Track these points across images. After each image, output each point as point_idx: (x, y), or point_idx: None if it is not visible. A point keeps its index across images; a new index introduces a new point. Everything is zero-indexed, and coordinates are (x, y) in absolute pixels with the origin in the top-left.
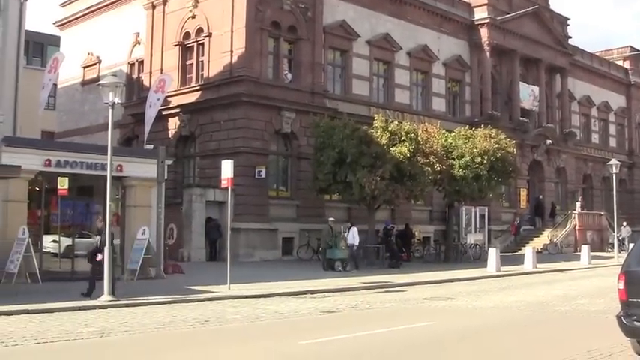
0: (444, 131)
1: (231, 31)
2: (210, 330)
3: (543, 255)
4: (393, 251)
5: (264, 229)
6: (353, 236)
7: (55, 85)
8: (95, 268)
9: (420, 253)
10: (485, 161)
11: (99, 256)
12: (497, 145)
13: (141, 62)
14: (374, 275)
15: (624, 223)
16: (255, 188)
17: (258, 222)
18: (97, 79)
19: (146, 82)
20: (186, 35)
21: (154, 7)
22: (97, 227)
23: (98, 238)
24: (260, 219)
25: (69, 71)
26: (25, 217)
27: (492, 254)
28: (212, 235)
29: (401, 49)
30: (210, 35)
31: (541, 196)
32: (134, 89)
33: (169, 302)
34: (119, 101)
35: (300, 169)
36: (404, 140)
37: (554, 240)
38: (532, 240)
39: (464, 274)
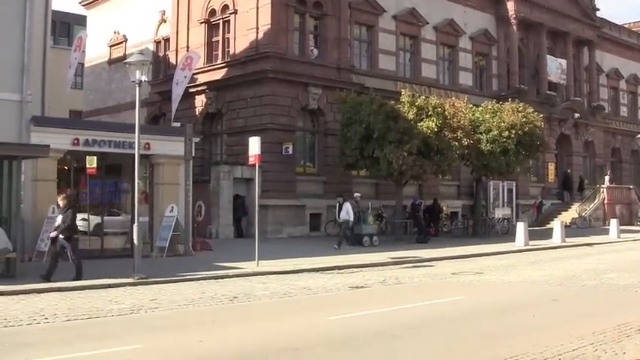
0: (471, 105)
1: (257, 8)
2: (239, 306)
3: (572, 229)
4: (421, 226)
5: (292, 205)
6: (347, 212)
7: (82, 64)
8: (54, 249)
9: (448, 228)
10: (512, 135)
11: (52, 234)
12: (524, 119)
13: (167, 40)
14: (402, 250)
15: None
16: (282, 165)
17: (285, 198)
18: (124, 57)
19: (172, 60)
20: (212, 12)
21: None
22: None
23: (60, 217)
24: (287, 195)
25: (96, 50)
26: (54, 195)
27: (520, 228)
28: (239, 213)
29: (427, 23)
30: (235, 12)
31: (569, 170)
32: (160, 67)
33: (198, 279)
34: (146, 79)
35: (327, 145)
36: (431, 115)
37: (583, 214)
38: (560, 214)
39: (492, 249)
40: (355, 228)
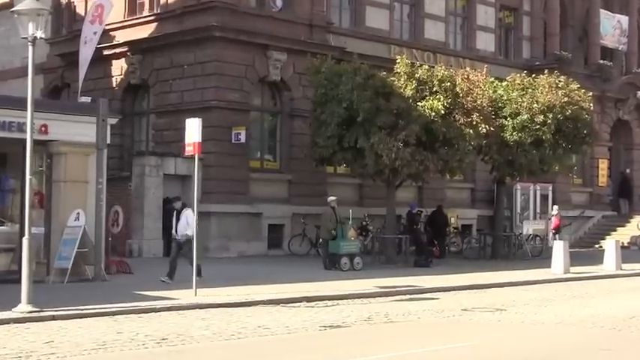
0: (492, 79)
1: None
2: (168, 352)
3: (631, 251)
4: (421, 244)
5: (244, 212)
6: (187, 223)
7: None
8: None
9: (458, 247)
10: (549, 121)
11: None
12: (566, 99)
13: None
14: (394, 277)
15: None
16: (231, 157)
17: (235, 203)
18: (10, 4)
19: (80, 10)
20: None
21: None
22: None
23: None
24: (238, 199)
25: None
26: None
27: (559, 249)
28: (170, 223)
29: None
30: None
31: (628, 170)
32: (63, 19)
33: (113, 313)
34: (42, 36)
35: (294, 131)
36: (436, 92)
37: None
38: (615, 231)
39: (518, 277)
40: (331, 246)
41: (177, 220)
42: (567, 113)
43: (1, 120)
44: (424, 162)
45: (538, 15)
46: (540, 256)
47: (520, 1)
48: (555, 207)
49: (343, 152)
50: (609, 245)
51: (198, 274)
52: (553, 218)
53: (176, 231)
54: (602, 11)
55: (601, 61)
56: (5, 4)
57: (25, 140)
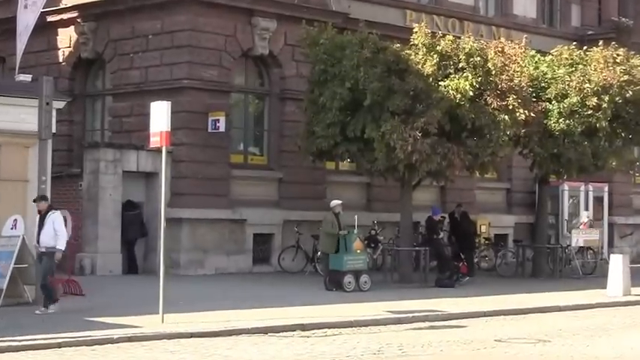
0: (533, 52)
1: None
2: None
3: None
4: (444, 258)
5: (224, 219)
6: (54, 230)
7: None
8: None
9: (490, 263)
10: (605, 105)
11: None
12: (626, 77)
13: None
14: (411, 299)
15: None
16: (207, 150)
17: (212, 207)
18: None
19: None
20: None
21: None
22: None
23: None
24: (216, 202)
25: None
26: None
27: (617, 266)
28: (132, 232)
29: None
30: None
31: None
32: None
33: (59, 345)
34: None
35: (285, 118)
36: (463, 68)
37: None
38: None
39: (566, 299)
40: (332, 261)
41: (42, 226)
42: (627, 95)
43: None
44: (447, 156)
45: None
46: (593, 274)
47: None
48: (585, 213)
49: (347, 144)
50: None
51: (48, 302)
52: (581, 227)
53: (38, 241)
54: None
55: None
56: None
57: None
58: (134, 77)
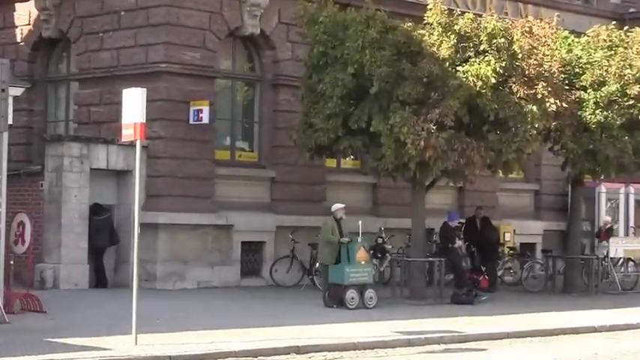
0: (565, 33)
1: None
2: None
3: None
4: (462, 271)
5: (207, 224)
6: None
7: None
8: None
9: (515, 276)
10: None
11: None
12: None
13: None
14: (423, 318)
15: None
16: (189, 145)
17: (194, 211)
18: None
19: None
20: None
21: None
22: None
23: None
24: (198, 205)
25: None
26: None
27: None
28: (100, 239)
29: None
30: None
31: None
32: None
33: None
34: None
35: (279, 108)
36: (485, 51)
37: None
38: None
39: (603, 319)
40: (332, 273)
41: None
42: None
43: None
44: (466, 152)
45: None
46: (635, 290)
47: None
48: (607, 218)
49: (350, 138)
50: None
51: None
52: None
53: None
54: None
55: None
56: None
57: None
58: (104, 60)
